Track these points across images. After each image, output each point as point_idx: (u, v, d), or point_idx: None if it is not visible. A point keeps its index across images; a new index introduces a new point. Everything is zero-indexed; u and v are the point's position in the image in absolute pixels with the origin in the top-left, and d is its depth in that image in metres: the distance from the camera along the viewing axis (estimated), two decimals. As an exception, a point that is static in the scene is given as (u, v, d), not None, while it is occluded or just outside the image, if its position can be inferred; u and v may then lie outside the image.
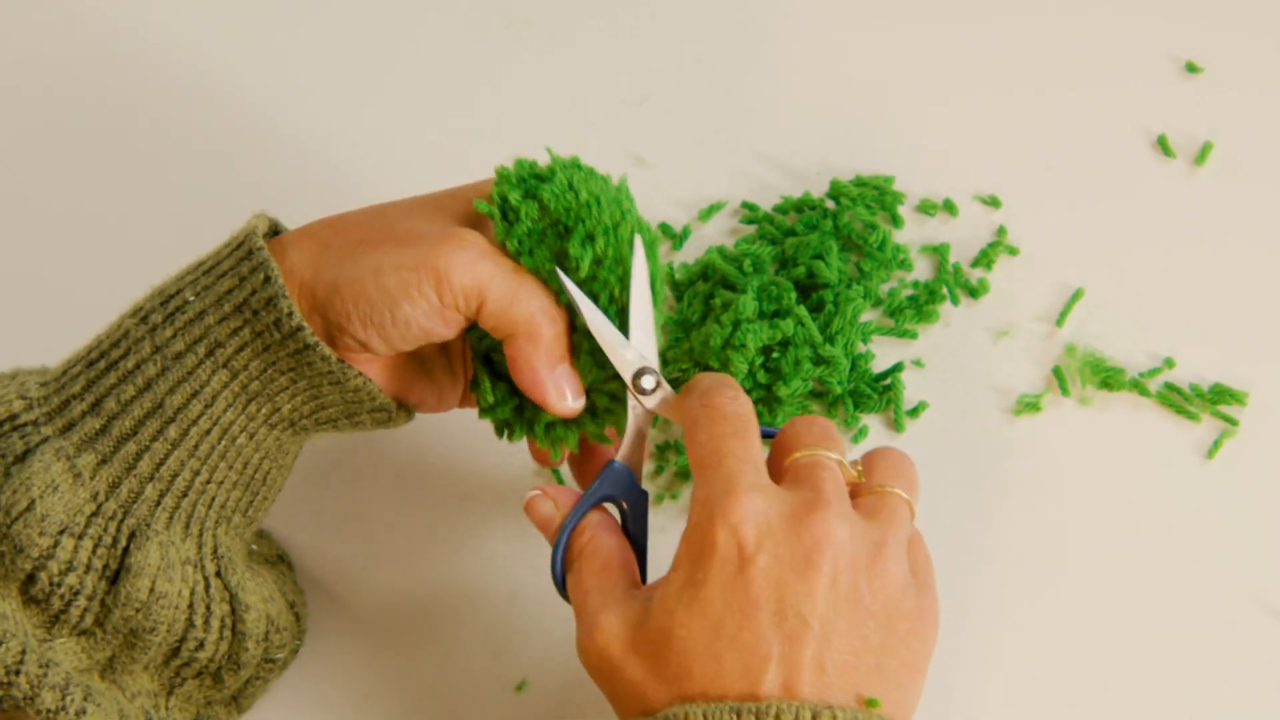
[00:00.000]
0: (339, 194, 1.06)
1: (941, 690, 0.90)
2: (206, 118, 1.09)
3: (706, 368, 0.95)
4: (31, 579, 0.80)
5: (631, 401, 0.84)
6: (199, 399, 0.82)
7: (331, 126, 1.09)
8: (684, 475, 0.97)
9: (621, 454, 0.84)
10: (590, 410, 0.85)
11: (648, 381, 0.84)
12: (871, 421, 0.98)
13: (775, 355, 0.96)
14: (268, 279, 0.82)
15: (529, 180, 0.83)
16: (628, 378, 0.83)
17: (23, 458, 0.82)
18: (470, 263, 0.81)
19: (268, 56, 1.11)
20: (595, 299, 0.83)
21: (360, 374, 0.83)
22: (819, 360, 0.96)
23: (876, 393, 0.98)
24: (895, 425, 0.97)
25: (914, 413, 0.98)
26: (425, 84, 1.09)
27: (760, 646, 0.76)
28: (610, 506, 0.84)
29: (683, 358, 0.97)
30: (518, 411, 0.87)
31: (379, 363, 0.85)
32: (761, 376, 0.96)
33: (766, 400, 0.96)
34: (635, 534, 0.84)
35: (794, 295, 0.96)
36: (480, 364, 0.87)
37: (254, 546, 0.90)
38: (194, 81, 1.10)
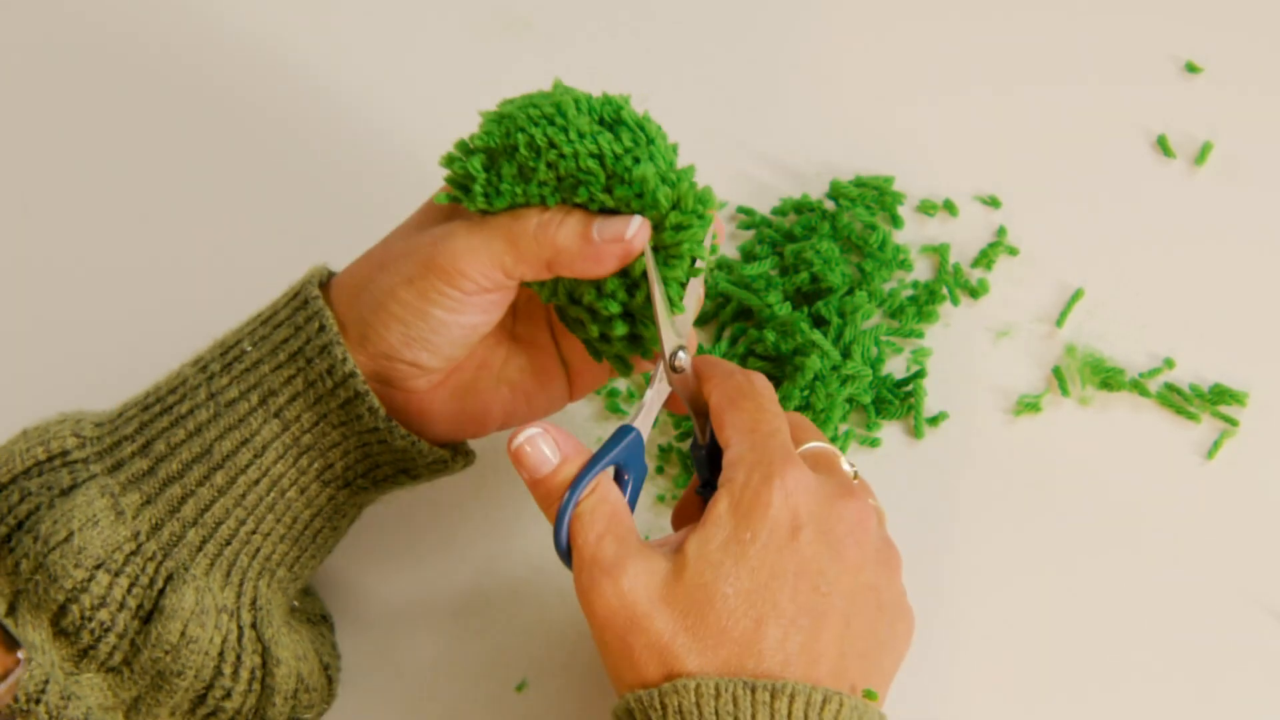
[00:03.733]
0: (339, 195, 1.06)
1: (941, 689, 0.90)
2: (204, 121, 1.09)
3: None
4: (63, 610, 0.80)
5: (660, 378, 0.84)
6: (248, 447, 0.82)
7: (331, 127, 1.09)
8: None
9: (639, 421, 0.82)
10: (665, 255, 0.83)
11: (683, 359, 0.83)
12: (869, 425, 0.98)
13: (807, 394, 0.95)
14: (322, 327, 0.82)
15: (466, 145, 0.83)
16: (667, 352, 0.83)
17: (68, 492, 0.82)
18: (466, 245, 0.80)
19: (267, 58, 1.11)
20: (575, 190, 0.81)
21: (407, 434, 0.83)
22: (844, 380, 0.96)
23: (899, 399, 0.98)
24: (915, 432, 0.97)
25: (934, 421, 0.97)
26: (425, 84, 1.09)
27: (800, 617, 0.76)
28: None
29: None
30: (630, 326, 0.85)
31: (446, 389, 0.85)
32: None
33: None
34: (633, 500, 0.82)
35: (808, 324, 0.96)
36: (578, 316, 0.85)
37: (296, 604, 0.90)
38: (192, 84, 1.10)
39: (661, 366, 0.83)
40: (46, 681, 0.79)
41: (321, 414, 0.83)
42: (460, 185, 0.82)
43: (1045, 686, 0.91)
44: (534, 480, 0.80)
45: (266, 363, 0.83)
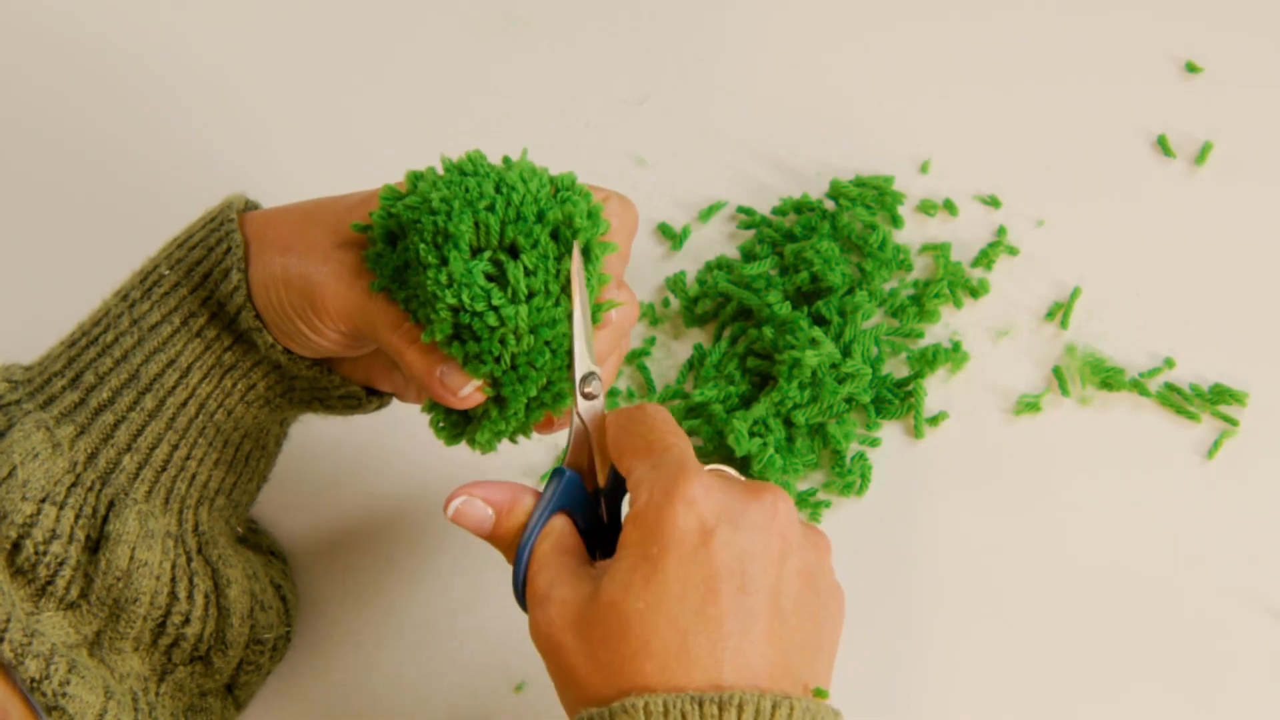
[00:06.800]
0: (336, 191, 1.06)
1: (940, 690, 0.90)
2: (203, 116, 1.09)
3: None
4: (17, 548, 0.81)
5: (578, 404, 0.81)
6: (174, 368, 0.83)
7: (331, 126, 1.09)
8: None
9: (569, 460, 0.82)
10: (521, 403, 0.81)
11: (594, 387, 0.81)
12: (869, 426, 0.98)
13: (810, 396, 0.95)
14: (229, 250, 0.82)
15: (394, 196, 0.80)
16: (577, 379, 0.81)
17: (4, 432, 0.83)
18: (338, 293, 0.79)
19: (267, 56, 1.11)
20: (428, 322, 0.78)
21: (313, 364, 0.84)
22: (842, 378, 0.96)
23: (899, 398, 0.98)
24: (915, 432, 0.97)
25: (934, 421, 0.97)
26: (425, 84, 1.09)
27: (726, 621, 0.75)
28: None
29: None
30: (463, 420, 0.83)
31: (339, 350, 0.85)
32: (798, 417, 0.96)
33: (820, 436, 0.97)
34: (588, 534, 0.82)
35: (807, 322, 0.96)
36: None
37: (239, 530, 0.91)
38: (192, 78, 1.10)
39: (577, 398, 0.81)
40: (9, 620, 0.80)
41: (238, 334, 0.83)
42: (367, 234, 0.80)
43: (1045, 686, 0.91)
44: (483, 537, 0.81)
45: (185, 285, 0.83)
